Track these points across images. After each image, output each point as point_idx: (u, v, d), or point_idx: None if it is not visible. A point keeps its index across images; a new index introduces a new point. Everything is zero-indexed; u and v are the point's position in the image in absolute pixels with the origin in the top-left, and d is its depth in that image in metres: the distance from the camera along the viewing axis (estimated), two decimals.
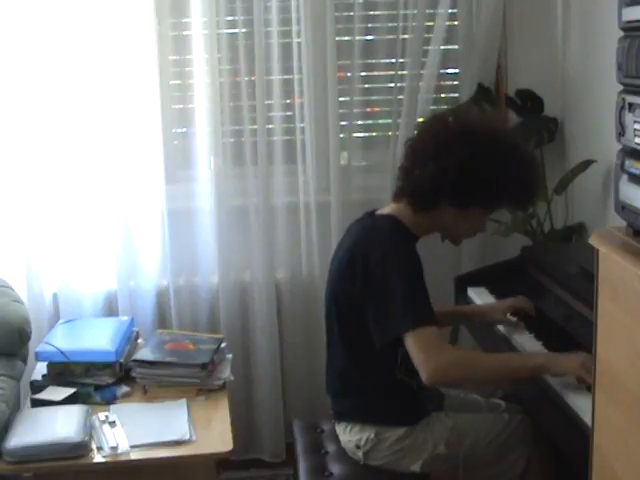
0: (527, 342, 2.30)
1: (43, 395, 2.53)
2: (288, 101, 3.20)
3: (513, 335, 2.36)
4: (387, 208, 2.27)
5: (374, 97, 3.30)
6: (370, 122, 3.34)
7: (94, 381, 2.61)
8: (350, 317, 2.19)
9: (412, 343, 2.04)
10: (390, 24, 3.17)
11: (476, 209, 2.20)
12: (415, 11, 3.11)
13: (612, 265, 1.47)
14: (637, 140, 1.47)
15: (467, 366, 2.10)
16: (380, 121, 3.33)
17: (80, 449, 2.26)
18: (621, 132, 1.53)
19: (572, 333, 2.20)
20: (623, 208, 1.54)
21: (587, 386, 1.89)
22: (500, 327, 2.46)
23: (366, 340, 2.12)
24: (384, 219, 2.22)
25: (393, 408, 2.20)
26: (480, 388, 2.60)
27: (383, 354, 2.12)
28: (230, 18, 3.12)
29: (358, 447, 2.22)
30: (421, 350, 2.03)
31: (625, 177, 1.53)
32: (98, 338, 2.76)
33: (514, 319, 2.44)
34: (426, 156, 2.16)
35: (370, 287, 2.10)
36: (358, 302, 2.13)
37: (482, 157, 2.11)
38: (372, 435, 2.20)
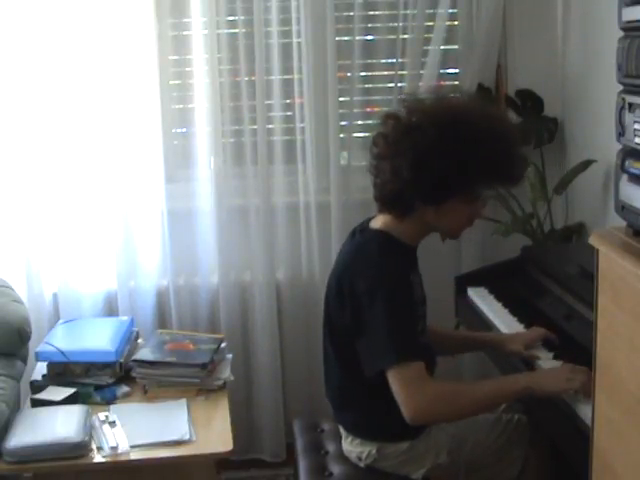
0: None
1: (43, 395, 2.53)
2: (288, 101, 3.20)
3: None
4: (378, 220, 2.14)
5: (374, 97, 3.30)
6: (370, 122, 3.34)
7: (94, 381, 2.61)
8: (343, 341, 2.13)
9: (393, 380, 1.97)
10: (390, 24, 3.17)
11: (454, 201, 2.01)
12: (415, 11, 3.11)
13: (612, 265, 1.47)
14: (637, 140, 1.47)
15: (450, 402, 2.02)
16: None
17: (80, 449, 2.26)
18: (621, 132, 1.53)
19: (572, 333, 2.20)
20: (623, 208, 1.54)
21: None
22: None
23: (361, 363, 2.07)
24: (374, 236, 2.10)
25: (394, 424, 2.08)
26: None
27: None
28: (230, 18, 3.12)
29: (360, 459, 2.19)
30: (402, 388, 1.96)
31: (625, 177, 1.54)
32: (98, 338, 2.76)
33: (536, 353, 2.21)
34: (381, 161, 2.01)
35: (358, 319, 2.03)
36: (349, 331, 2.07)
37: (432, 148, 1.92)
38: (374, 451, 2.16)
